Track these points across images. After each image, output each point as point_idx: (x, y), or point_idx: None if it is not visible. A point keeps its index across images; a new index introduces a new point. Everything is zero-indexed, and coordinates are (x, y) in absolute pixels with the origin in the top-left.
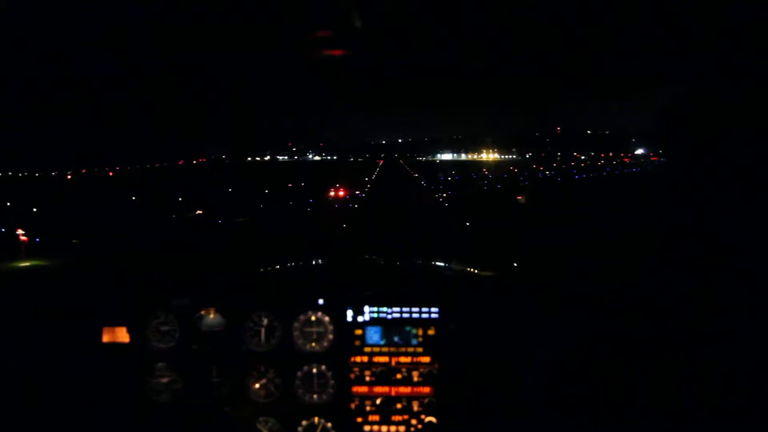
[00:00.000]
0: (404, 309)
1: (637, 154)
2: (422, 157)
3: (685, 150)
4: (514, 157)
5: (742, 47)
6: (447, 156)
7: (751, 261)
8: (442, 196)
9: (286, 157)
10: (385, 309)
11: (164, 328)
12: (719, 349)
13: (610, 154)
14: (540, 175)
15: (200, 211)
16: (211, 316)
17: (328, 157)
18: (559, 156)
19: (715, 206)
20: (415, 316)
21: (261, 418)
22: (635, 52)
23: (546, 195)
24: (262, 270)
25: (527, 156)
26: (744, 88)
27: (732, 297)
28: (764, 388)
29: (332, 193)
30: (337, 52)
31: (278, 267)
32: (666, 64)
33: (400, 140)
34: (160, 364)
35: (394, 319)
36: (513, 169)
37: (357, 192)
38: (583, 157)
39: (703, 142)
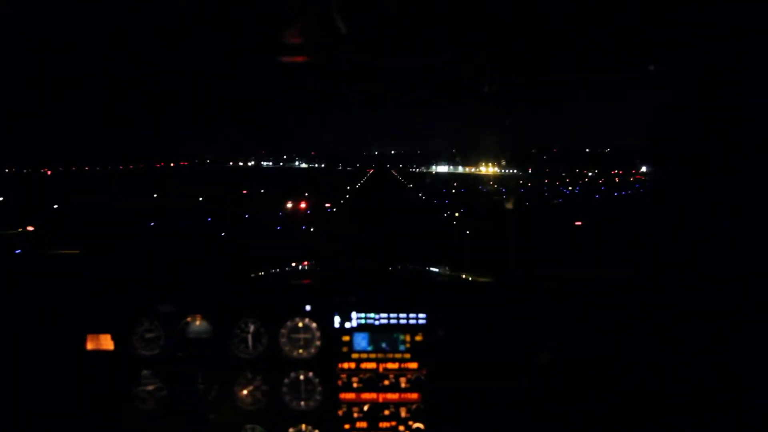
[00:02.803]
0: (392, 315)
1: (644, 171)
2: (415, 168)
3: (673, 160)
4: (515, 171)
5: (733, 50)
6: (443, 168)
7: (750, 265)
8: (453, 216)
9: (270, 163)
10: (372, 315)
11: (149, 335)
12: (720, 351)
13: (620, 171)
14: (566, 191)
15: (31, 228)
16: (197, 322)
17: (316, 165)
18: (564, 173)
19: (709, 208)
20: (402, 322)
21: (248, 426)
22: (626, 59)
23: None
24: (248, 276)
25: (529, 171)
26: (731, 95)
27: (734, 298)
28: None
29: (289, 205)
30: (323, 55)
31: (265, 273)
32: (653, 72)
33: (393, 151)
34: (145, 372)
35: (381, 325)
36: (528, 184)
37: (327, 205)
38: (590, 174)
39: (691, 152)
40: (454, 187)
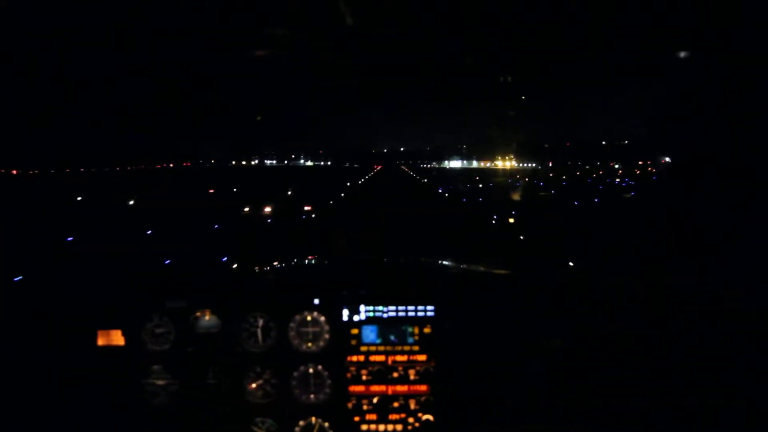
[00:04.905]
0: (400, 307)
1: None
2: (426, 164)
3: (678, 146)
4: (533, 165)
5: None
6: (456, 163)
7: (754, 260)
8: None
9: (274, 162)
10: (380, 308)
11: (159, 330)
12: (722, 345)
13: (647, 162)
14: (623, 184)
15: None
16: (207, 317)
17: (322, 163)
18: (588, 166)
19: (717, 203)
20: (410, 314)
21: (258, 419)
22: (630, 47)
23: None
24: (256, 270)
25: (549, 164)
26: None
27: (736, 296)
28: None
29: (246, 209)
30: (329, 53)
31: (273, 267)
32: (658, 60)
33: (402, 148)
34: (155, 367)
35: (389, 317)
36: (562, 177)
37: (306, 208)
38: (616, 167)
39: (697, 138)
40: (476, 181)
